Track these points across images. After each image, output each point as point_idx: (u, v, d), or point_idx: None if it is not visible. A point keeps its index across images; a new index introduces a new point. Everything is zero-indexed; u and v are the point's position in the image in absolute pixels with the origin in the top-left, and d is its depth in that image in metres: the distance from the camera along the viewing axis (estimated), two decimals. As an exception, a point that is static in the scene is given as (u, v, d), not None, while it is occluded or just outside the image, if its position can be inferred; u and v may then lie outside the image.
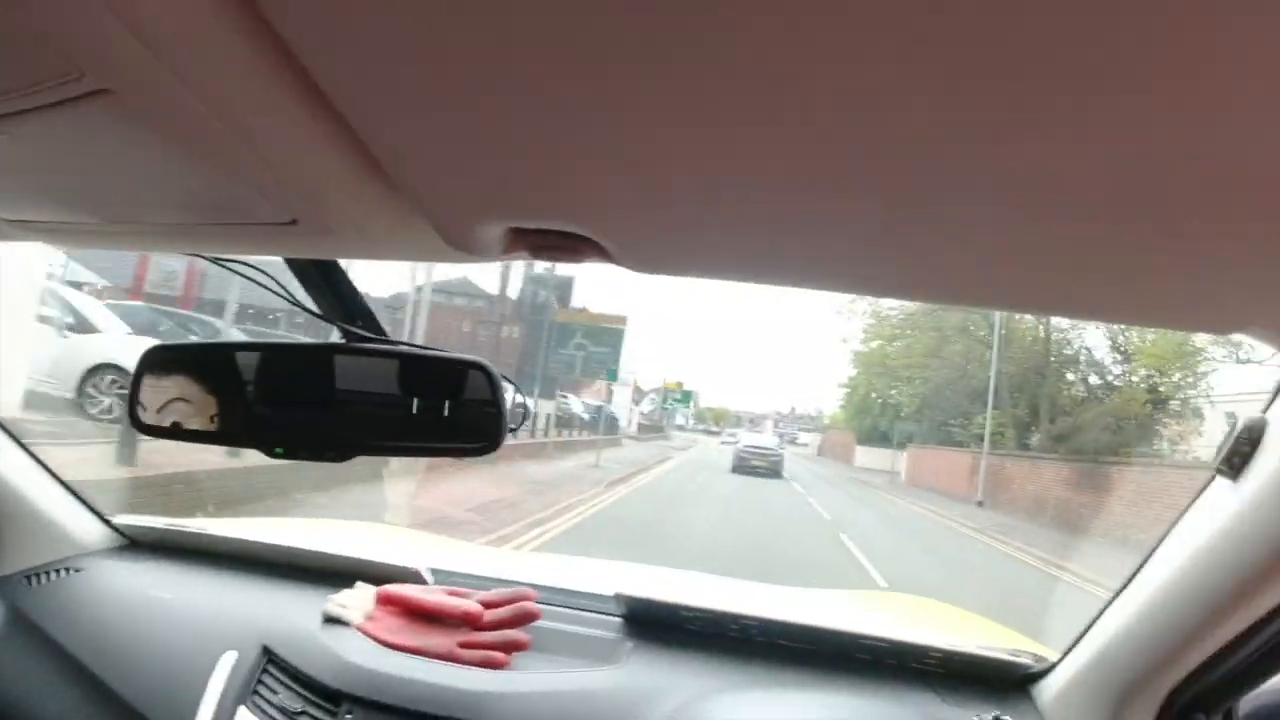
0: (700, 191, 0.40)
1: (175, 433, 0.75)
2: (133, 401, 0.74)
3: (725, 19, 0.25)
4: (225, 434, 0.76)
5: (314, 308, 0.76)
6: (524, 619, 1.01)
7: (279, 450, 0.74)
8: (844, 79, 0.28)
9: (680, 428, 51.18)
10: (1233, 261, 0.40)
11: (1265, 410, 0.65)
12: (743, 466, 17.51)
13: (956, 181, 0.34)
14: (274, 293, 0.75)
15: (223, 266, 0.74)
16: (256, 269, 0.74)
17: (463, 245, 0.51)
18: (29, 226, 0.63)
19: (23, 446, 1.08)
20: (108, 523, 1.22)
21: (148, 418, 0.75)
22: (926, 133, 0.31)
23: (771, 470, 17.50)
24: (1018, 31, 0.24)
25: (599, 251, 0.49)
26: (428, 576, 1.12)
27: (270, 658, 0.98)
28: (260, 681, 0.96)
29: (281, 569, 1.18)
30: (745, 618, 1.08)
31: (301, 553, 1.19)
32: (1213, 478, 0.70)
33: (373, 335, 0.75)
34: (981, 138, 0.31)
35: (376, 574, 1.10)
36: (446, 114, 0.36)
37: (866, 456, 29.27)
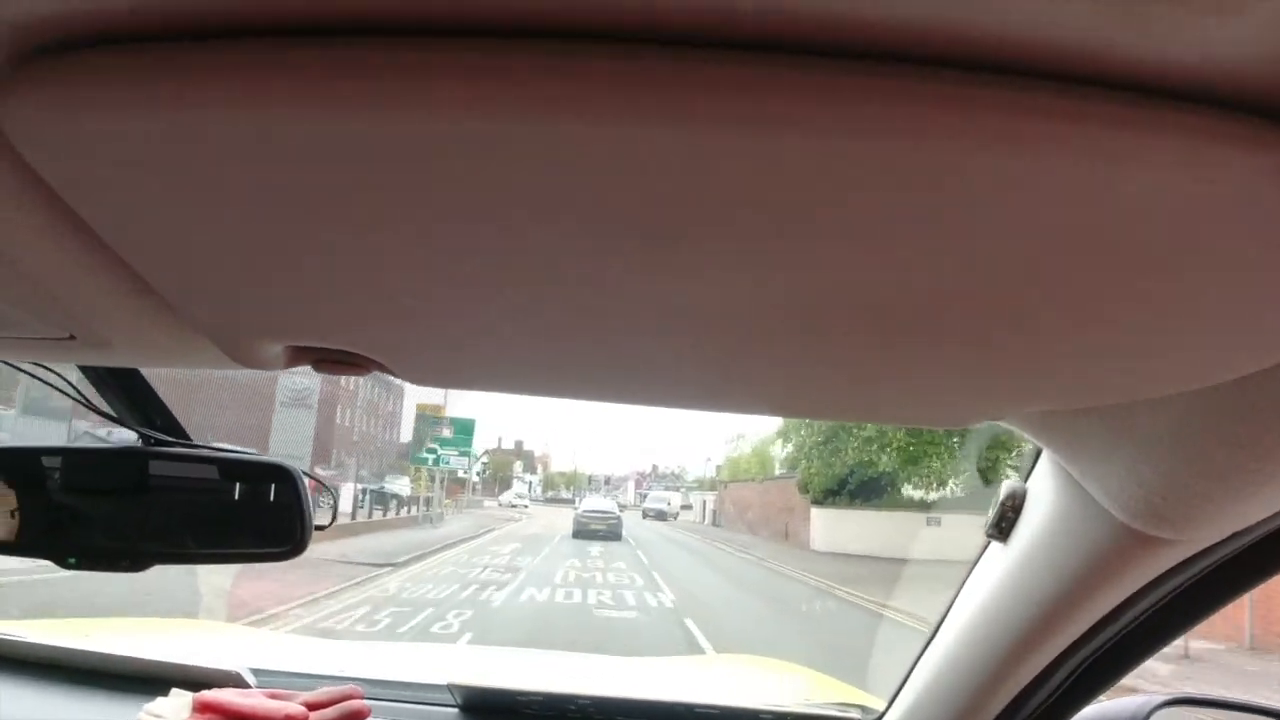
0: (451, 315, 0.51)
1: None
2: None
3: (451, 181, 0.34)
4: (19, 545, 0.85)
5: (108, 410, 0.89)
6: (352, 718, 1.12)
7: (72, 561, 0.85)
8: (553, 221, 0.37)
9: (520, 497, 49.77)
10: (962, 370, 0.54)
11: (1026, 479, 0.87)
12: (583, 531, 21.54)
13: (695, 305, 0.45)
14: (66, 394, 0.88)
15: (10, 366, 0.86)
16: (48, 369, 0.87)
17: (244, 360, 0.61)
18: None
19: None
20: None
21: None
22: (661, 261, 0.40)
23: (610, 532, 21.29)
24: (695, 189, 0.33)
25: (379, 365, 0.61)
26: (249, 678, 1.22)
27: None
28: None
29: (90, 676, 1.25)
30: (581, 698, 1.27)
31: (111, 659, 1.27)
32: (988, 541, 0.92)
33: (172, 439, 0.90)
34: (710, 270, 0.41)
35: (193, 678, 1.18)
36: (208, 251, 0.43)
37: (844, 529, 17.38)
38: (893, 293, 0.42)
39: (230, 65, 0.30)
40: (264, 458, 0.89)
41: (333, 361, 0.61)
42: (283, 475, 0.87)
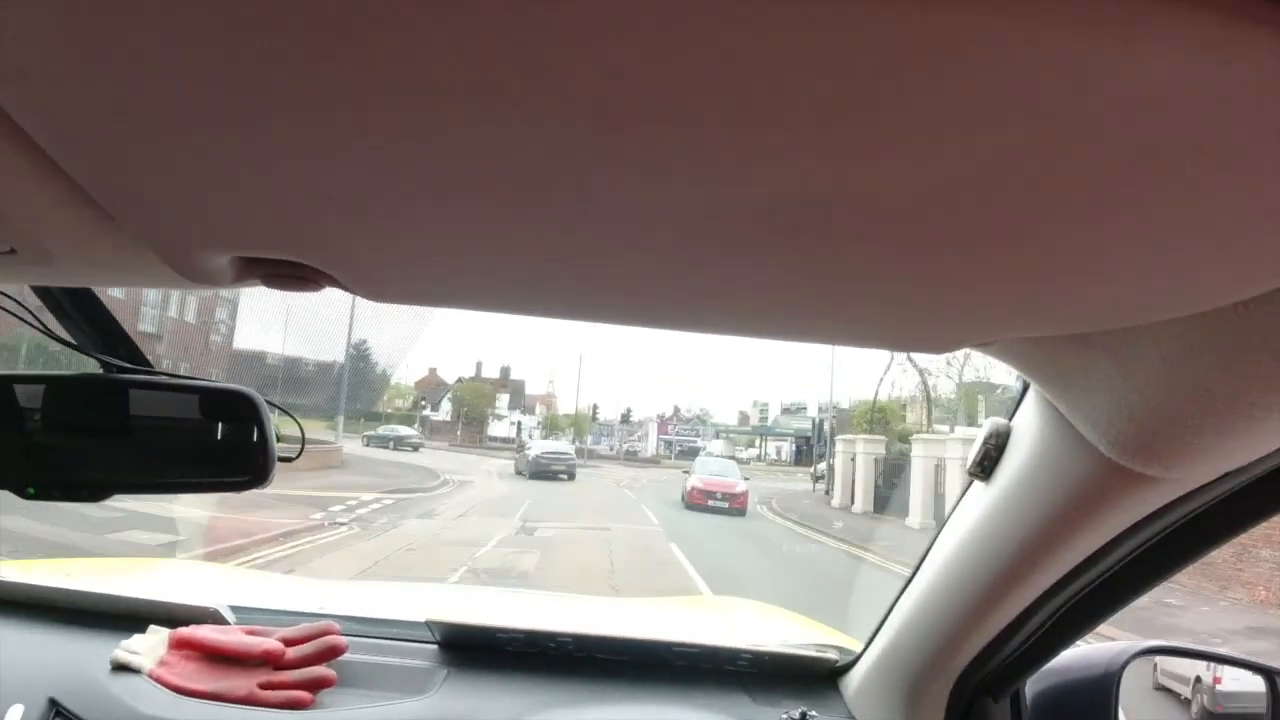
0: (412, 220, 0.59)
1: None
2: None
3: (400, 62, 0.40)
4: None
5: (67, 337, 1.15)
6: (329, 654, 1.49)
7: (31, 491, 1.12)
8: (512, 107, 0.43)
9: (508, 443, 48.94)
10: (942, 289, 0.63)
11: (1010, 417, 1.10)
12: (542, 472, 28.42)
13: (672, 209, 0.53)
14: (23, 320, 1.14)
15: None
16: (5, 294, 1.13)
17: (190, 274, 0.73)
18: None
19: None
20: None
21: None
22: (630, 158, 0.47)
23: (568, 472, 29.03)
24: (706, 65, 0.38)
25: (332, 280, 0.73)
26: (228, 615, 1.57)
27: (58, 710, 1.37)
28: None
29: (70, 614, 1.60)
30: (561, 635, 1.63)
31: (88, 596, 1.62)
32: (971, 480, 1.17)
33: (132, 365, 1.16)
34: (689, 166, 0.47)
35: (172, 615, 1.55)
36: (148, 148, 0.51)
37: None
38: (870, 194, 0.49)
39: None
40: (225, 385, 1.15)
41: (284, 276, 0.74)
42: (245, 403, 1.13)
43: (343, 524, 14.48)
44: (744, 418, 64.74)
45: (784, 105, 0.41)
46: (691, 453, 52.36)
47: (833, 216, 0.52)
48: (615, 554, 14.01)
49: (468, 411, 53.86)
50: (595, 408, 57.89)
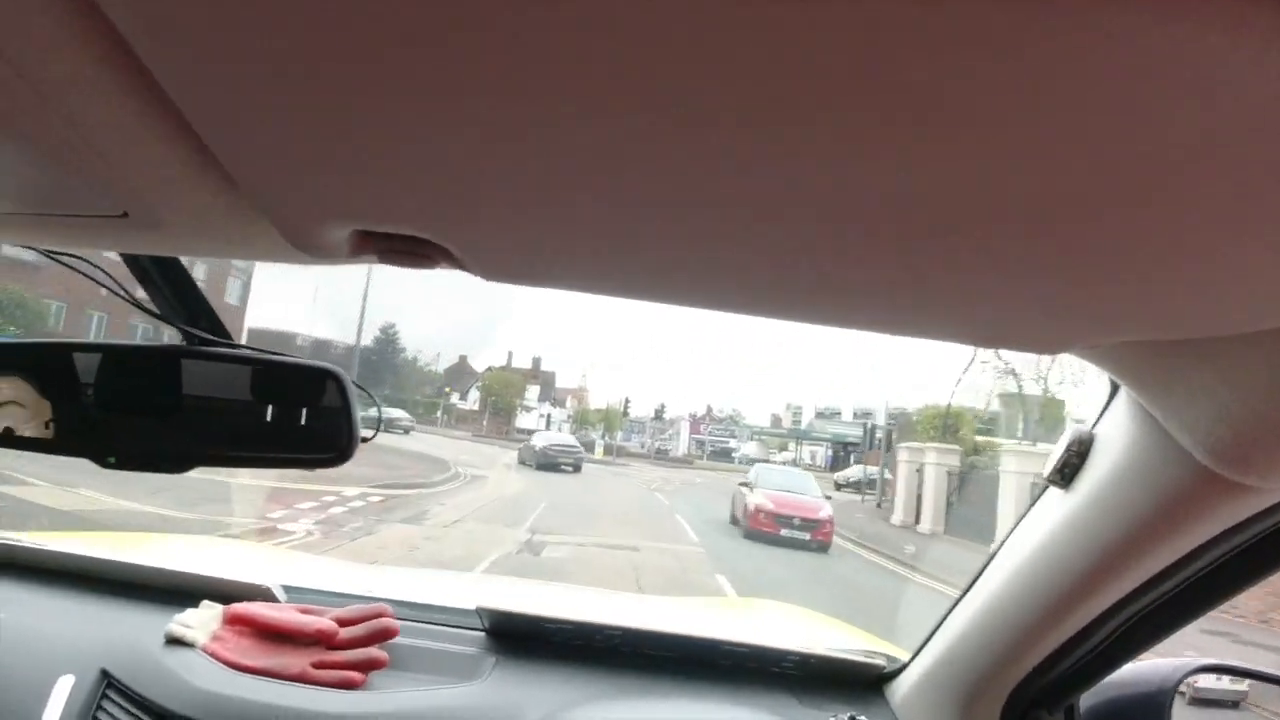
0: (541, 200, 0.59)
1: (2, 439, 1.15)
2: None
3: (543, 40, 0.40)
4: (56, 442, 1.15)
5: (152, 307, 1.18)
6: (381, 636, 1.52)
7: (111, 460, 1.15)
8: (674, 96, 0.43)
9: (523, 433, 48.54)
10: (1057, 287, 0.62)
11: (1094, 425, 1.10)
12: (549, 463, 29.55)
13: (790, 200, 0.53)
14: (108, 289, 1.16)
15: (54, 260, 1.15)
16: (90, 263, 1.15)
17: (305, 246, 0.74)
18: None
19: None
20: None
21: None
22: (754, 148, 0.47)
23: (573, 464, 30.33)
24: (836, 56, 0.37)
25: (449, 258, 0.73)
26: (279, 594, 1.61)
27: (110, 682, 1.42)
28: (99, 707, 1.39)
29: (122, 587, 1.65)
30: (609, 628, 1.67)
31: (144, 570, 1.67)
32: (1046, 487, 1.17)
33: (216, 339, 1.18)
34: (811, 158, 0.47)
35: (225, 592, 1.59)
36: (285, 113, 0.51)
37: None
38: (988, 192, 0.49)
39: None
40: (313, 362, 1.17)
41: (400, 252, 0.74)
42: (331, 380, 1.15)
43: (293, 529, 11.52)
44: (776, 420, 65.11)
45: (893, 104, 0.41)
46: (724, 454, 52.41)
47: (942, 213, 0.52)
48: (645, 589, 10.65)
49: (495, 401, 53.72)
50: (627, 402, 57.88)
